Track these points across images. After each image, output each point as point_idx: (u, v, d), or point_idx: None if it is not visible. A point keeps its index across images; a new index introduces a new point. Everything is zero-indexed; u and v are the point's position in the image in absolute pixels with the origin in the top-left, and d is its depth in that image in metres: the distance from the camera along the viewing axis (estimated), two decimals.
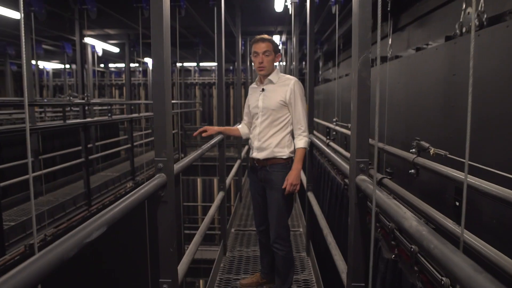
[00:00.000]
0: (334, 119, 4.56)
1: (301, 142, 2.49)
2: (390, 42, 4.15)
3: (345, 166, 1.89)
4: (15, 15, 5.79)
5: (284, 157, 2.50)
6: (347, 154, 3.90)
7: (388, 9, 3.50)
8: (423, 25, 3.97)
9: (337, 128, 4.43)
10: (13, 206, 5.51)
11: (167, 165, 1.67)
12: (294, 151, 2.53)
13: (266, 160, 2.50)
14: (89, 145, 7.70)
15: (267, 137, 2.51)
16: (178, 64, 12.88)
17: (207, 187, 14.46)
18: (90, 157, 6.51)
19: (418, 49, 3.86)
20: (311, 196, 3.45)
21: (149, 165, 8.87)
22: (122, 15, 6.37)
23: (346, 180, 3.39)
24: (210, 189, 14.32)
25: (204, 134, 2.54)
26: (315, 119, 4.27)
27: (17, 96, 11.02)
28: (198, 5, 5.99)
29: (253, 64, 2.61)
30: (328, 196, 4.55)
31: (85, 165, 5.88)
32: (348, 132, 3.91)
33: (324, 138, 4.86)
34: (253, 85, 2.69)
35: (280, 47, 9.20)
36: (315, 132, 5.28)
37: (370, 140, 1.63)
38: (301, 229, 4.51)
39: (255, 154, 2.56)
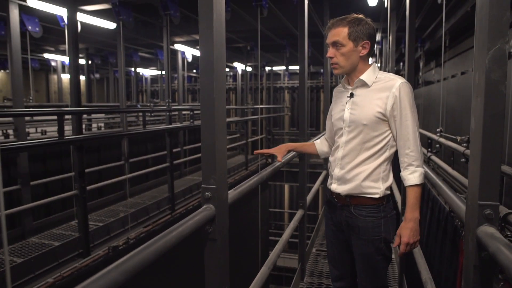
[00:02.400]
0: (438, 130, 3.85)
1: (414, 176, 1.63)
2: None
3: (458, 204, 1.36)
4: (110, 25, 6.10)
5: (377, 196, 1.71)
6: (455, 174, 3.21)
7: None
8: None
9: (442, 140, 3.72)
10: (104, 207, 5.76)
11: (217, 194, 1.33)
12: (390, 187, 1.77)
13: (350, 197, 1.76)
14: (177, 149, 7.90)
15: (354, 165, 1.74)
16: (267, 68, 12.80)
17: (294, 193, 14.10)
18: (175, 162, 6.58)
19: None
20: None
21: (235, 169, 8.86)
22: None
23: None
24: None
25: (265, 152, 2.07)
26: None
27: (118, 101, 11.85)
28: (284, 5, 5.67)
29: None
30: (428, 219, 3.86)
31: (170, 169, 5.92)
32: (457, 146, 3.22)
33: (425, 151, 4.17)
34: (339, 87, 1.89)
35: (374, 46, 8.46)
36: None
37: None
38: (393, 256, 3.89)
39: (334, 187, 1.81)
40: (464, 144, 3.01)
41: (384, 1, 4.80)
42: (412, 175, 1.63)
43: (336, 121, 1.82)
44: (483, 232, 1.05)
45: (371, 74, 1.72)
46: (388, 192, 1.74)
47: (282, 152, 2.03)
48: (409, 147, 1.64)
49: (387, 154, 1.72)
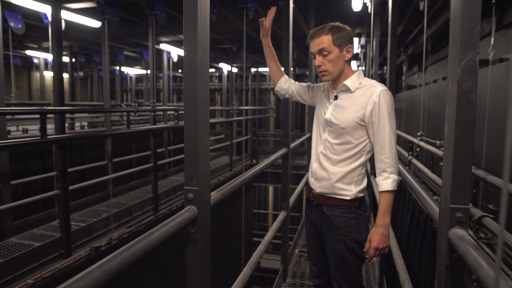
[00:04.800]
0: (418, 133, 3.94)
1: (387, 182, 1.65)
2: (492, 42, 3.44)
3: (433, 207, 1.41)
4: (95, 24, 6.04)
5: (348, 198, 1.76)
6: (434, 177, 3.29)
7: (493, 1, 2.85)
8: None
9: (422, 144, 3.80)
10: (86, 207, 5.69)
11: (199, 196, 1.35)
12: (363, 190, 1.80)
13: (323, 197, 1.81)
14: (161, 149, 7.87)
15: (330, 164, 1.79)
16: (253, 69, 12.82)
17: (278, 195, 14.15)
18: (159, 162, 6.55)
19: None
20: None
21: (220, 170, 8.86)
22: None
23: None
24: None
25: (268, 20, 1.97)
26: (401, 133, 3.67)
27: (101, 100, 11.71)
28: (269, 8, 5.70)
29: None
30: (408, 221, 3.94)
31: (154, 169, 5.89)
32: (435, 150, 3.31)
33: (406, 154, 4.25)
34: (328, 84, 1.91)
35: (358, 50, 8.56)
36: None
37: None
38: (374, 258, 3.96)
39: (311, 181, 1.88)
40: (443, 149, 3.10)
41: (368, 7, 4.88)
42: (385, 181, 1.66)
43: (318, 115, 1.89)
44: (454, 234, 1.09)
45: (355, 80, 1.76)
46: (361, 195, 1.79)
47: (267, 26, 2.01)
48: (384, 154, 1.67)
49: (362, 159, 1.76)
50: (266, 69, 15.19)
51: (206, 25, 1.32)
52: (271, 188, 13.93)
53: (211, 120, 8.96)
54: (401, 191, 4.48)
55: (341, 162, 1.77)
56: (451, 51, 1.13)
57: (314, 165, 1.87)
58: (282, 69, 2.18)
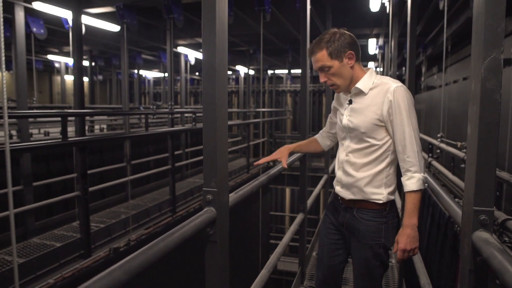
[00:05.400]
0: (438, 135, 3.86)
1: (411, 182, 1.60)
2: None
3: (455, 209, 1.38)
4: (114, 28, 6.15)
5: (380, 201, 1.71)
6: (455, 179, 3.22)
7: None
8: None
9: (443, 146, 3.73)
10: (105, 208, 5.78)
11: (218, 197, 1.35)
12: (394, 192, 1.75)
13: (354, 201, 1.77)
14: (179, 152, 7.93)
15: (355, 170, 1.74)
16: (269, 71, 12.82)
17: (295, 197, 14.09)
18: (177, 164, 6.60)
19: None
20: None
21: (237, 172, 8.88)
22: None
23: None
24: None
25: (268, 160, 1.96)
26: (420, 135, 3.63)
27: (120, 103, 11.89)
28: (286, 9, 5.71)
29: None
30: (429, 224, 3.86)
31: (172, 172, 5.94)
32: (457, 152, 3.24)
33: (426, 156, 4.17)
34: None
35: (376, 51, 8.46)
36: None
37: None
38: (393, 261, 3.90)
39: (338, 189, 1.83)
40: (464, 150, 3.03)
41: (386, 7, 4.82)
42: (409, 181, 1.61)
43: (339, 123, 1.83)
44: (478, 237, 1.07)
45: (367, 80, 1.70)
46: (392, 197, 1.74)
47: (285, 156, 1.98)
48: (405, 153, 1.62)
49: (388, 159, 1.70)
50: (283, 71, 15.19)
51: (225, 27, 1.33)
52: (287, 190, 13.88)
53: (229, 122, 9.01)
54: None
55: (365, 166, 1.72)
56: (474, 50, 1.11)
57: (338, 173, 1.82)
58: (317, 136, 2.15)
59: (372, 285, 1.78)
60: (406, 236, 1.60)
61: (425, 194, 4.22)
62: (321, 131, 2.12)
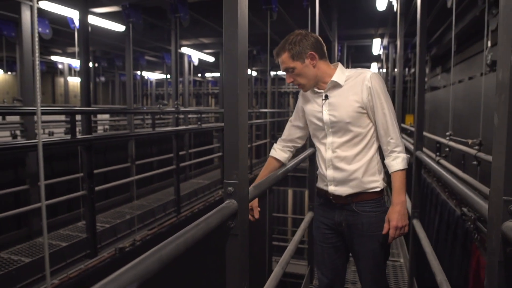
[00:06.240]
0: (447, 133, 3.85)
1: (397, 161, 1.69)
2: None
3: (478, 202, 1.36)
4: (119, 28, 6.15)
5: (378, 189, 1.74)
6: (466, 177, 3.21)
7: None
8: None
9: (452, 144, 3.71)
10: (109, 208, 5.76)
11: (239, 190, 1.34)
12: (384, 177, 1.80)
13: (351, 196, 1.76)
14: (182, 152, 7.93)
15: (347, 162, 1.74)
16: (272, 73, 12.81)
17: (298, 199, 14.06)
18: (182, 164, 6.60)
19: None
20: (417, 225, 2.85)
21: None
22: (216, 24, 6.38)
23: (464, 209, 2.74)
24: (301, 200, 13.90)
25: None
26: (425, 133, 3.57)
27: (124, 104, 11.91)
28: (291, 9, 5.71)
29: None
30: (437, 223, 3.85)
31: (176, 172, 5.93)
32: (468, 149, 3.23)
33: (433, 155, 4.16)
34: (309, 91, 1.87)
35: (380, 52, 8.46)
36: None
37: None
38: (401, 260, 3.88)
39: (332, 189, 1.78)
40: (476, 147, 3.02)
41: (393, 6, 4.82)
42: (395, 161, 1.69)
43: (314, 123, 1.82)
44: (509, 227, 1.05)
45: (341, 74, 1.75)
46: (385, 184, 1.78)
47: (254, 204, 1.76)
48: (389, 135, 1.70)
49: (375, 145, 1.76)
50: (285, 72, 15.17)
51: (245, 13, 1.32)
52: (290, 192, 13.86)
53: None
54: (428, 193, 4.39)
55: (356, 156, 1.74)
56: (501, 38, 1.10)
57: (328, 173, 1.78)
58: (274, 154, 2.04)
59: (382, 276, 1.81)
60: (397, 213, 1.65)
61: (432, 193, 4.21)
62: (274, 146, 2.07)
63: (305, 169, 9.05)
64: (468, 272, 2.72)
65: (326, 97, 1.76)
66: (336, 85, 1.74)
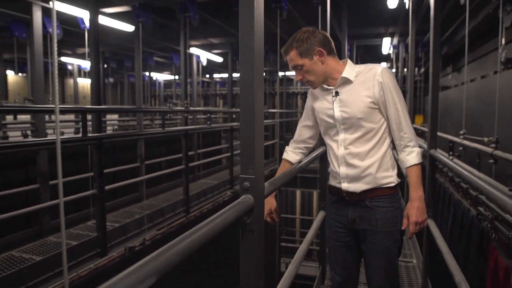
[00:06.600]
0: (461, 132, 3.79)
1: (411, 156, 1.68)
2: None
3: (502, 198, 1.32)
4: (129, 28, 6.16)
5: (393, 184, 1.73)
6: (482, 176, 3.15)
7: None
8: None
9: (466, 142, 3.65)
10: (119, 208, 5.77)
11: (255, 185, 1.31)
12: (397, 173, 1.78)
13: (365, 192, 1.74)
14: (191, 152, 7.93)
15: (361, 158, 1.72)
16: (280, 73, 12.78)
17: (306, 200, 14.01)
18: (191, 164, 6.60)
19: None
20: (432, 224, 2.80)
21: None
22: (225, 23, 6.37)
23: (480, 208, 2.69)
24: (310, 201, 13.84)
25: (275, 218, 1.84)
26: (439, 133, 3.50)
27: (133, 105, 11.96)
28: (300, 8, 5.67)
29: None
30: (450, 224, 3.79)
31: (185, 172, 5.92)
32: (483, 148, 3.17)
33: (446, 154, 4.10)
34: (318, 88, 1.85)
35: (391, 51, 8.39)
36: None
37: None
38: (414, 261, 3.82)
39: (345, 186, 1.76)
40: (492, 145, 2.96)
41: (405, 3, 4.76)
42: (410, 156, 1.69)
43: (325, 120, 1.80)
44: None
45: (350, 70, 1.74)
46: (399, 179, 1.76)
47: (273, 204, 1.87)
48: (402, 130, 1.69)
49: (388, 140, 1.74)
50: (293, 73, 15.16)
51: (261, 6, 1.29)
52: (298, 193, 13.81)
53: (237, 124, 9.01)
54: (440, 193, 4.32)
55: (370, 152, 1.72)
56: None
57: (341, 170, 1.77)
58: (287, 156, 2.01)
59: (395, 274, 1.79)
60: (416, 209, 1.65)
61: (444, 193, 4.14)
62: (286, 148, 2.05)
63: (313, 170, 9.03)
64: (485, 272, 2.66)
65: (337, 93, 1.75)
66: (347, 81, 1.73)
